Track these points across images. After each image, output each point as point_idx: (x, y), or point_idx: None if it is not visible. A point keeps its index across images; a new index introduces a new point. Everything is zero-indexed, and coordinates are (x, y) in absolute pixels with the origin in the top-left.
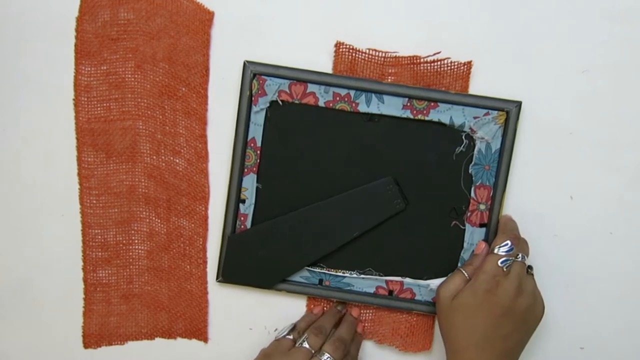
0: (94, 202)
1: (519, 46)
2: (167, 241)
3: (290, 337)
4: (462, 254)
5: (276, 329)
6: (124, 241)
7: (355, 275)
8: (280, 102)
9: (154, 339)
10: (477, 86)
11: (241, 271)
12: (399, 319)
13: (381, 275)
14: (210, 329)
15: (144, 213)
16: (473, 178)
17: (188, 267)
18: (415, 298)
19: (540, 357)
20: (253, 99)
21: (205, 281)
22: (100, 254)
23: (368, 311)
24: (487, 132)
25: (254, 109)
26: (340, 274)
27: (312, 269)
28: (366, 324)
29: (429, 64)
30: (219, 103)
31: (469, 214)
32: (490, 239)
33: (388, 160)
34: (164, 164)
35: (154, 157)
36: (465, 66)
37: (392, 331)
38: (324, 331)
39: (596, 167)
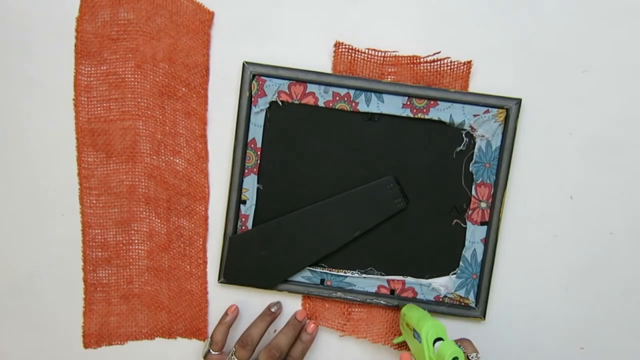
0: (94, 202)
1: (518, 45)
2: (167, 241)
3: (216, 353)
4: (463, 252)
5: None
6: (124, 241)
7: (356, 275)
8: (280, 103)
9: (154, 339)
10: (477, 85)
11: (243, 272)
12: (393, 318)
13: (383, 275)
14: (210, 329)
15: (144, 213)
16: (474, 176)
17: (188, 267)
18: (417, 297)
19: (540, 357)
20: (253, 99)
21: (205, 281)
22: (100, 254)
23: (361, 310)
24: (487, 130)
25: (254, 109)
26: (342, 273)
27: (313, 269)
28: (359, 323)
29: (428, 64)
30: (219, 103)
31: (470, 212)
32: (491, 237)
33: (388, 159)
34: (164, 164)
35: (154, 157)
36: (465, 66)
37: (386, 330)
38: (251, 341)
39: (596, 167)
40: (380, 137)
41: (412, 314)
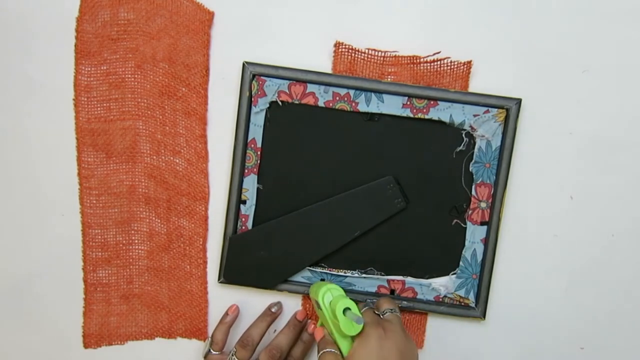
0: (94, 202)
1: (518, 45)
2: (167, 241)
3: (216, 352)
4: (463, 252)
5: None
6: (124, 241)
7: (356, 275)
8: (280, 103)
9: (154, 339)
10: (477, 84)
11: (242, 272)
12: None
13: (383, 275)
14: (210, 329)
15: (144, 213)
16: (474, 176)
17: (188, 267)
18: (417, 297)
19: (540, 357)
20: (253, 99)
21: (205, 281)
22: (100, 254)
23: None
24: (487, 130)
25: (254, 109)
26: (342, 273)
27: (313, 269)
28: None
29: (428, 64)
30: (219, 103)
31: (470, 212)
32: (491, 237)
33: (388, 160)
34: (164, 164)
35: (154, 157)
36: (465, 66)
37: None
38: (252, 341)
39: (596, 167)
40: (380, 137)
41: (313, 288)
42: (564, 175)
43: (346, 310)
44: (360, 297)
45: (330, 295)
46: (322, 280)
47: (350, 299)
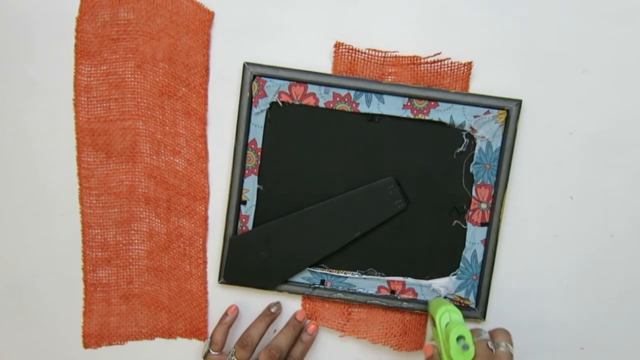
0: (94, 202)
1: (519, 46)
2: (167, 241)
3: (216, 353)
4: (463, 254)
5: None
6: (124, 241)
7: (357, 276)
8: (281, 103)
9: (154, 339)
10: (478, 85)
11: (243, 272)
12: (393, 319)
13: (383, 276)
14: (210, 329)
15: (144, 213)
16: (474, 177)
17: (188, 267)
18: (418, 298)
19: (541, 357)
20: (253, 100)
21: (205, 281)
22: (100, 254)
23: (361, 310)
24: (487, 131)
25: (255, 110)
26: (342, 274)
27: (313, 270)
28: (359, 324)
29: (429, 65)
30: (219, 103)
31: (470, 213)
32: (491, 238)
33: (389, 160)
34: (164, 164)
35: (154, 157)
36: (466, 67)
37: (386, 330)
38: (251, 342)
39: (596, 167)
40: (381, 138)
41: (432, 303)
42: (564, 175)
43: (460, 338)
44: (361, 298)
45: (448, 317)
46: (322, 281)
47: (467, 328)
